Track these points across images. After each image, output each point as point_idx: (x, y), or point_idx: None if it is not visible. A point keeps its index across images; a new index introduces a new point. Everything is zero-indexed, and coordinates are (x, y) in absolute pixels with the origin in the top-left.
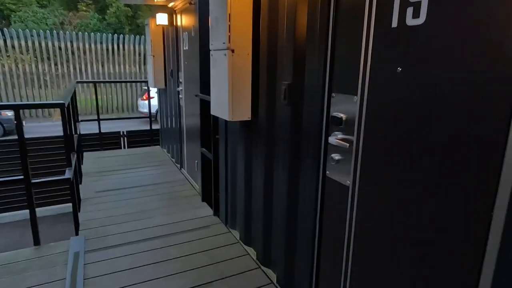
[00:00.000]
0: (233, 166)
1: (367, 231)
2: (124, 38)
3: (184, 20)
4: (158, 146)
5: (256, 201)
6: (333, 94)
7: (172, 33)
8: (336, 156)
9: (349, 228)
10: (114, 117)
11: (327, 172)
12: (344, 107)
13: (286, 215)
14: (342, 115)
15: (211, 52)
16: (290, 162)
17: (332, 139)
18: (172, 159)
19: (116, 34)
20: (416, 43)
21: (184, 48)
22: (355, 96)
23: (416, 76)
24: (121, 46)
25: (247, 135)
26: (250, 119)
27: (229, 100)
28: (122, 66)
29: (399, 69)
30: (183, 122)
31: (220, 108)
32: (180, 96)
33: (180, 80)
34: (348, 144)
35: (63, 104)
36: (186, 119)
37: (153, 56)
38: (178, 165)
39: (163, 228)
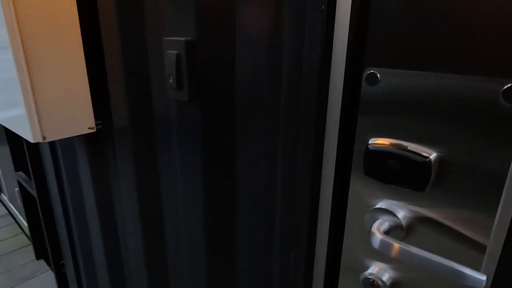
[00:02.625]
0: (80, 207)
1: None
2: None
3: None
4: None
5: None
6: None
7: None
8: None
9: None
10: None
11: None
12: None
13: None
14: None
15: None
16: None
17: None
18: None
19: None
20: None
21: None
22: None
23: None
24: None
25: (99, 156)
26: (94, 129)
27: (28, 101)
28: None
29: None
30: None
31: (14, 121)
32: None
33: None
34: None
35: None
36: None
37: None
38: None
39: None
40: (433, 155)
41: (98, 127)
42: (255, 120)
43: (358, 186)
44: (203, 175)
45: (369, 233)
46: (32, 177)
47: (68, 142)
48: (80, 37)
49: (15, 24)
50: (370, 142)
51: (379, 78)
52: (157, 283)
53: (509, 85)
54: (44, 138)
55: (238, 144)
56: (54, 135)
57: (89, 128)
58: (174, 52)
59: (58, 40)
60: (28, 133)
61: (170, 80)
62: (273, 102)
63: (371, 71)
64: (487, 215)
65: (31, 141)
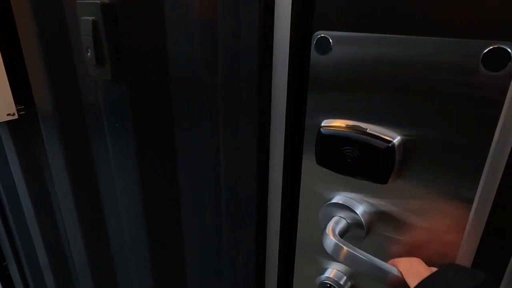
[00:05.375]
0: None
1: None
2: None
3: None
4: None
5: None
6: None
7: None
8: None
9: None
10: None
11: None
12: None
13: None
14: None
15: None
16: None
17: None
18: None
19: None
20: None
21: None
22: None
23: None
24: None
25: (27, 145)
26: (16, 116)
27: None
28: None
29: None
30: None
31: None
32: None
33: None
34: None
35: None
36: None
37: None
38: None
39: None
40: (397, 139)
41: (21, 113)
42: (193, 102)
43: (310, 178)
44: (138, 166)
45: (322, 234)
46: None
47: None
48: None
49: None
50: (323, 124)
51: (331, 44)
52: (104, 280)
53: (491, 47)
54: None
55: (176, 130)
56: None
57: (8, 114)
58: (90, 18)
59: None
60: None
61: (88, 55)
62: (210, 81)
63: (322, 35)
64: (461, 208)
65: None
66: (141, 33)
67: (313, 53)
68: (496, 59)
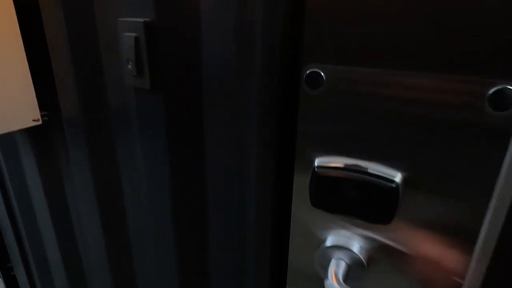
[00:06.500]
0: (27, 206)
1: None
2: None
3: None
4: None
5: None
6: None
7: None
8: None
9: None
10: None
11: None
12: None
13: None
14: None
15: None
16: None
17: None
18: None
19: None
20: None
21: None
22: None
23: None
24: None
25: (47, 150)
26: (40, 122)
27: None
28: None
29: None
30: None
31: None
32: None
33: None
34: None
35: None
36: None
37: None
38: None
39: None
40: (399, 177)
41: (44, 118)
42: (224, 110)
43: (302, 219)
44: (169, 168)
45: (324, 281)
46: None
47: (7, 138)
48: (17, 23)
49: None
50: (317, 163)
51: (324, 78)
52: (122, 280)
53: (498, 87)
54: None
55: (206, 133)
56: None
57: (33, 120)
58: (132, 34)
59: None
60: None
61: (129, 66)
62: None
63: (313, 69)
64: (463, 247)
65: None
66: (177, 47)
67: (303, 87)
68: (503, 99)
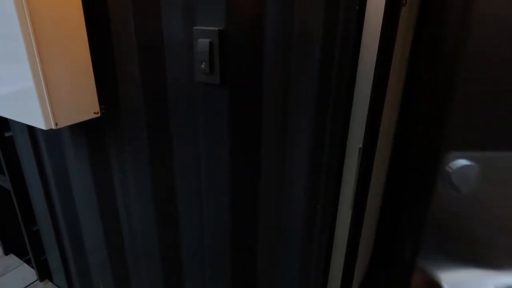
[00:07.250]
0: (69, 194)
1: None
2: None
3: None
4: None
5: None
6: None
7: None
8: None
9: None
10: None
11: None
12: None
13: None
14: None
15: None
16: None
17: None
18: None
19: None
20: None
21: None
22: None
23: None
24: None
25: (99, 143)
26: (99, 114)
27: (40, 88)
28: None
29: None
30: None
31: (22, 111)
32: None
33: None
34: None
35: None
36: None
37: None
38: None
39: None
40: None
41: (102, 111)
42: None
43: None
44: (230, 162)
45: None
46: (5, 170)
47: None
48: (84, 22)
49: (27, 15)
50: None
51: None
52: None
53: None
54: (56, 124)
55: (264, 128)
56: (64, 121)
57: (94, 113)
58: (207, 40)
59: (62, 25)
60: (40, 121)
61: (203, 66)
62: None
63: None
64: None
65: (44, 128)
66: (244, 50)
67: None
68: None
